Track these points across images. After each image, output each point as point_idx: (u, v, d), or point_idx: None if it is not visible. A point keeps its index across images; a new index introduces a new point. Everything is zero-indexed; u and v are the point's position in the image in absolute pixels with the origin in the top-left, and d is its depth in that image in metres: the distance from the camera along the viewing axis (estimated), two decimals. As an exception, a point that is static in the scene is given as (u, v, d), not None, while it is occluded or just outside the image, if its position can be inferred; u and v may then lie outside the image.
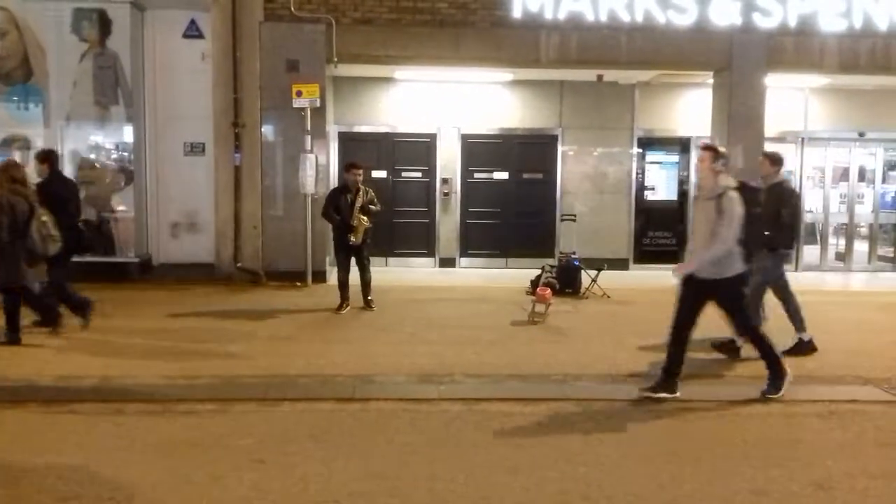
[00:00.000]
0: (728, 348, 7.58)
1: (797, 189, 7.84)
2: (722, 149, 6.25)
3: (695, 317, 6.18)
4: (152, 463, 4.61)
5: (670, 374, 6.15)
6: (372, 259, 10.07)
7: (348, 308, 9.63)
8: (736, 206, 5.92)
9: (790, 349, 7.48)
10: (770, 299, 7.84)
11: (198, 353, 7.43)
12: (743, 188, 6.20)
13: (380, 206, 9.98)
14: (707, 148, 6.19)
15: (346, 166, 9.93)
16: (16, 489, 4.24)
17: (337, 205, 9.61)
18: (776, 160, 7.81)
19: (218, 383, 6.40)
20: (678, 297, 6.23)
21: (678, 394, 6.10)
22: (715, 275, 6.02)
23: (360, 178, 9.76)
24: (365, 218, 9.61)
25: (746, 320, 6.41)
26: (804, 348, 7.67)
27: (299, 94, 11.28)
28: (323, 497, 4.18)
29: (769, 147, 13.61)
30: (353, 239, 9.57)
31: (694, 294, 6.14)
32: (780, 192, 7.61)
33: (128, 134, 12.01)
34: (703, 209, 6.15)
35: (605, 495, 4.26)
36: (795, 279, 13.43)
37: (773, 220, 7.43)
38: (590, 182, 14.31)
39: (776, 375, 6.21)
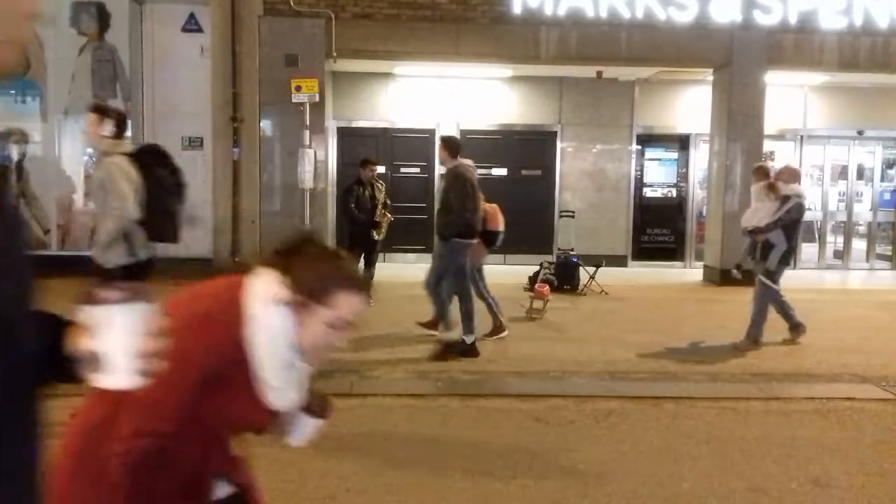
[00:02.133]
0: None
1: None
2: (118, 110, 5.35)
3: None
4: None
5: None
6: (378, 255, 10.16)
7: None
8: (115, 174, 4.87)
9: (445, 348, 7.20)
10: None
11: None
12: (143, 152, 5.21)
13: (390, 202, 10.13)
14: (95, 109, 5.20)
15: (362, 162, 9.99)
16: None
17: (356, 201, 9.68)
18: (449, 145, 7.42)
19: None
20: None
21: None
22: (105, 262, 4.96)
23: (376, 173, 9.89)
24: (389, 214, 9.75)
25: None
26: (466, 349, 7.16)
27: (298, 88, 11.25)
28: (320, 493, 4.17)
29: (768, 145, 13.70)
30: (377, 235, 9.68)
31: None
32: (451, 178, 7.23)
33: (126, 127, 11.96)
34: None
35: (604, 493, 4.26)
36: (794, 277, 13.51)
37: (446, 207, 7.19)
38: (589, 179, 14.31)
39: None
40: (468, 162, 7.43)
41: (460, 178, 7.17)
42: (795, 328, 8.03)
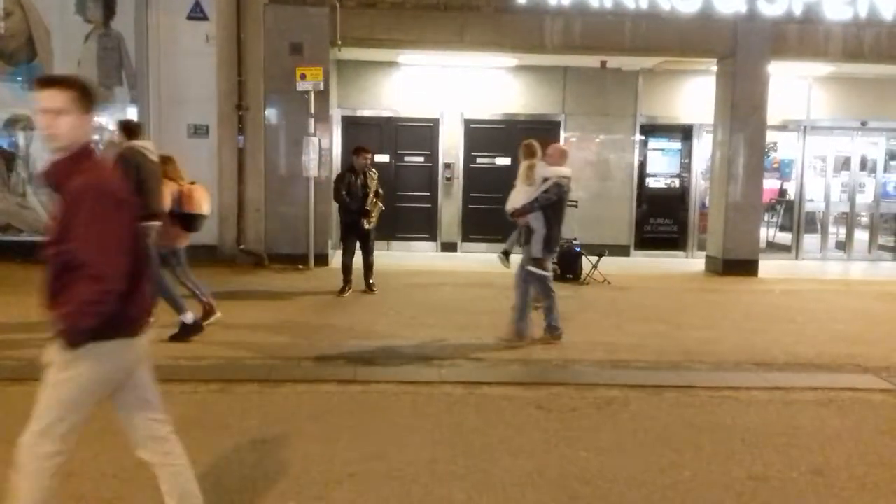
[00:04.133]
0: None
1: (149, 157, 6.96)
2: None
3: None
4: (157, 442, 4.65)
5: None
6: (374, 243, 10.13)
7: (350, 291, 9.68)
8: None
9: (175, 335, 7.09)
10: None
11: (200, 334, 7.45)
12: None
13: (382, 191, 10.06)
14: None
15: (355, 150, 9.96)
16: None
17: (348, 189, 9.66)
18: (125, 128, 7.07)
19: (220, 364, 6.44)
20: None
21: None
22: None
23: (369, 161, 9.86)
24: (380, 203, 9.74)
25: None
26: (190, 331, 7.15)
27: (303, 77, 11.27)
28: (325, 478, 4.22)
29: (771, 135, 13.70)
30: (367, 224, 9.65)
31: None
32: (124, 161, 6.85)
33: (132, 115, 11.98)
34: None
35: (606, 479, 4.30)
36: (796, 267, 13.55)
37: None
38: (592, 168, 14.31)
39: None
40: (141, 143, 7.09)
41: (124, 162, 6.86)
42: (520, 331, 7.44)
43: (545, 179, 7.25)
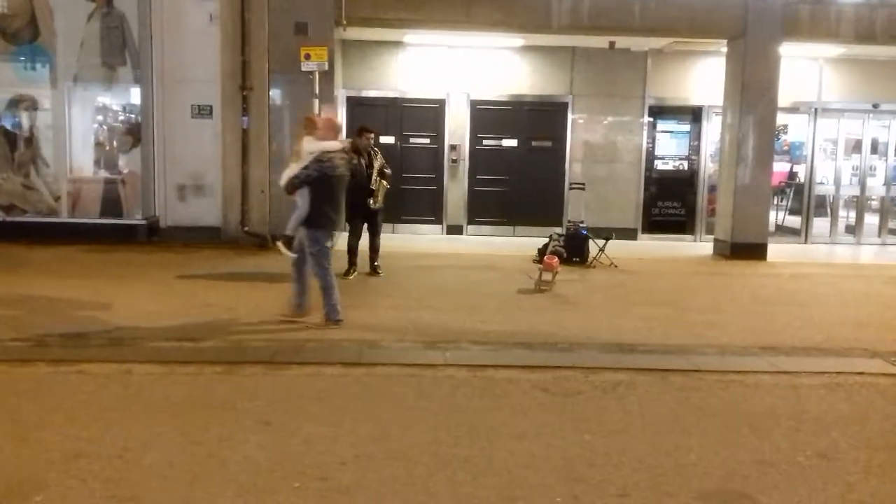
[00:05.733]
0: None
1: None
2: None
3: None
4: (160, 423, 4.63)
5: None
6: (381, 225, 10.07)
7: (355, 273, 9.63)
8: None
9: None
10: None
11: (204, 315, 7.44)
12: None
13: (390, 170, 9.97)
14: None
15: (358, 130, 9.89)
16: (25, 446, 4.27)
17: (352, 169, 9.56)
18: None
19: (225, 346, 6.42)
20: None
21: None
22: None
23: (372, 141, 9.77)
24: (385, 182, 9.64)
25: None
26: None
27: (308, 57, 11.18)
28: (328, 459, 4.20)
29: (782, 117, 13.56)
30: (373, 203, 9.57)
31: None
32: None
33: (135, 95, 11.96)
34: None
35: (611, 463, 4.27)
36: (805, 251, 13.47)
37: None
38: (600, 150, 14.23)
39: None
40: None
41: None
42: (298, 307, 7.25)
43: (311, 154, 6.96)
